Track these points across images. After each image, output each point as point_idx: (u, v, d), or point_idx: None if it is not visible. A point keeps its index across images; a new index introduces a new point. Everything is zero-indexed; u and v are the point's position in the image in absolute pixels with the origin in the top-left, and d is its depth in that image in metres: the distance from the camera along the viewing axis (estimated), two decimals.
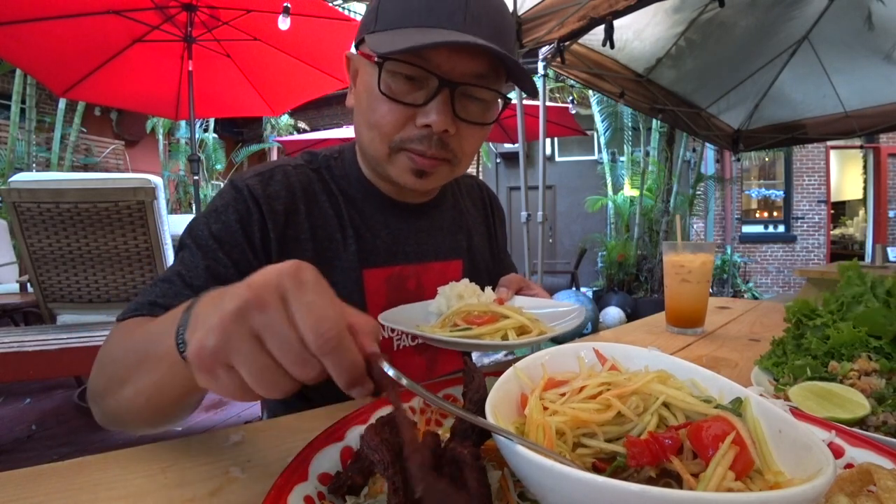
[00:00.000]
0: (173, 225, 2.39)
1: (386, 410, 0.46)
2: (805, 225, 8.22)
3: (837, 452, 0.39)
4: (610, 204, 7.57)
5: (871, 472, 0.32)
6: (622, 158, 7.55)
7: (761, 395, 0.41)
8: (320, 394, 0.78)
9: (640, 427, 0.34)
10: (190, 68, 3.03)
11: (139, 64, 3.22)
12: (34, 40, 2.75)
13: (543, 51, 2.83)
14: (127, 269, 2.29)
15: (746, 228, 8.44)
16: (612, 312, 5.77)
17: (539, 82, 3.03)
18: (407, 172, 0.70)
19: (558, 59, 2.85)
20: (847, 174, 9.63)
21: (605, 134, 7.48)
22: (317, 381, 0.33)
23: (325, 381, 0.34)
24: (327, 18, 3.08)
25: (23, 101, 5.75)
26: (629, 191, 7.38)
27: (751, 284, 7.96)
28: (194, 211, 3.94)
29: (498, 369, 0.46)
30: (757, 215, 8.71)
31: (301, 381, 0.33)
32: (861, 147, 8.24)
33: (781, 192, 8.43)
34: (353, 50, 0.75)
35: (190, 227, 0.70)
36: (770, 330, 1.03)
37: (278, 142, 7.71)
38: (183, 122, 6.57)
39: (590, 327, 5.02)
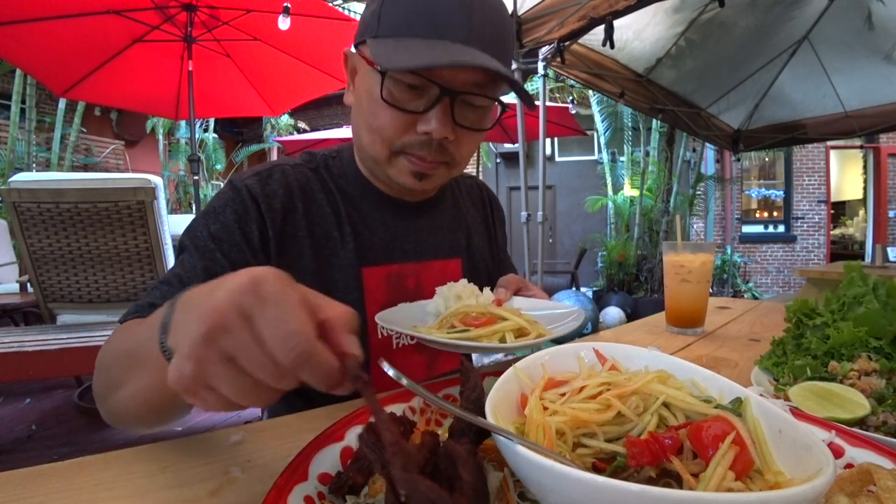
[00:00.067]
0: (173, 225, 2.39)
1: (386, 410, 0.46)
2: (805, 225, 8.22)
3: (837, 452, 0.39)
4: (610, 204, 7.57)
5: (871, 472, 0.32)
6: (622, 158, 7.55)
7: (761, 395, 0.41)
8: (321, 393, 0.78)
9: (640, 427, 0.34)
10: (190, 68, 3.03)
11: (139, 64, 3.22)
12: (34, 40, 2.75)
13: (543, 51, 2.83)
14: (127, 269, 2.29)
15: (746, 228, 8.44)
16: (612, 312, 5.77)
17: (539, 82, 3.03)
18: (407, 174, 0.72)
19: (558, 59, 2.85)
20: (847, 174, 9.63)
21: (605, 134, 7.47)
22: (300, 387, 0.33)
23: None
24: (327, 18, 3.07)
25: (23, 101, 5.75)
26: (629, 191, 7.38)
27: (751, 284, 7.96)
28: (194, 211, 3.94)
29: (498, 369, 0.46)
30: (757, 215, 8.71)
31: (283, 390, 0.33)
32: (861, 147, 8.24)
33: (781, 192, 8.43)
34: (352, 48, 0.75)
35: (189, 229, 0.70)
36: (770, 330, 1.03)
37: (278, 142, 7.70)
38: (183, 122, 6.57)
39: (590, 327, 5.02)
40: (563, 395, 0.38)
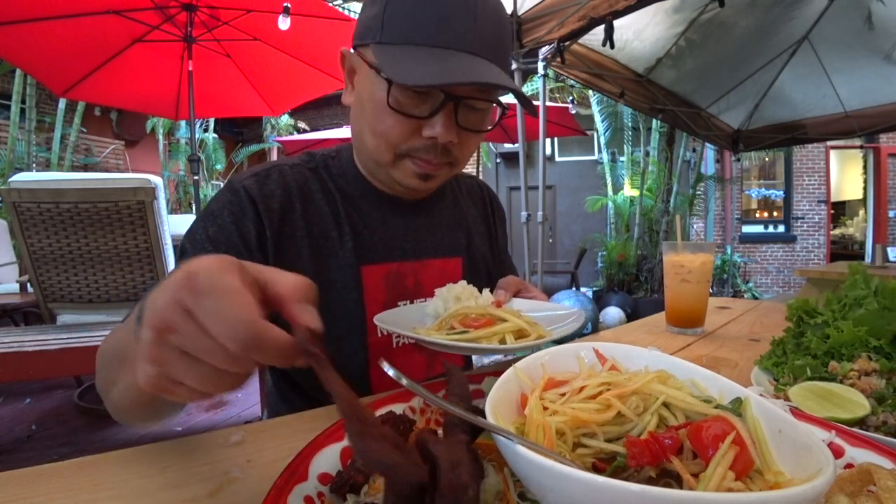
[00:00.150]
0: (173, 225, 2.39)
1: (386, 410, 0.46)
2: (805, 225, 8.22)
3: (837, 452, 0.39)
4: (610, 204, 7.57)
5: (871, 472, 0.32)
6: (622, 158, 7.55)
7: (761, 395, 0.41)
8: (323, 392, 0.78)
9: (640, 427, 0.34)
10: (190, 68, 3.03)
11: (139, 64, 3.22)
12: (34, 40, 2.75)
13: (543, 51, 2.83)
14: (127, 269, 2.29)
15: (746, 228, 8.44)
16: (612, 312, 5.77)
17: (539, 82, 3.03)
18: (412, 176, 0.73)
19: (558, 59, 2.86)
20: (847, 174, 9.63)
21: (605, 134, 7.47)
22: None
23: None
24: (327, 18, 3.08)
25: (23, 101, 5.74)
26: (629, 191, 7.37)
27: (751, 284, 7.96)
28: (194, 211, 3.94)
29: (498, 369, 0.46)
30: (757, 215, 8.71)
31: (249, 371, 0.33)
32: (861, 147, 8.24)
33: (781, 192, 8.43)
34: (350, 49, 0.75)
35: (189, 232, 0.71)
36: (770, 330, 1.03)
37: (278, 142, 7.70)
38: (183, 122, 6.57)
39: (590, 327, 5.02)
40: (563, 395, 0.38)
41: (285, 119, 8.84)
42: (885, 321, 0.61)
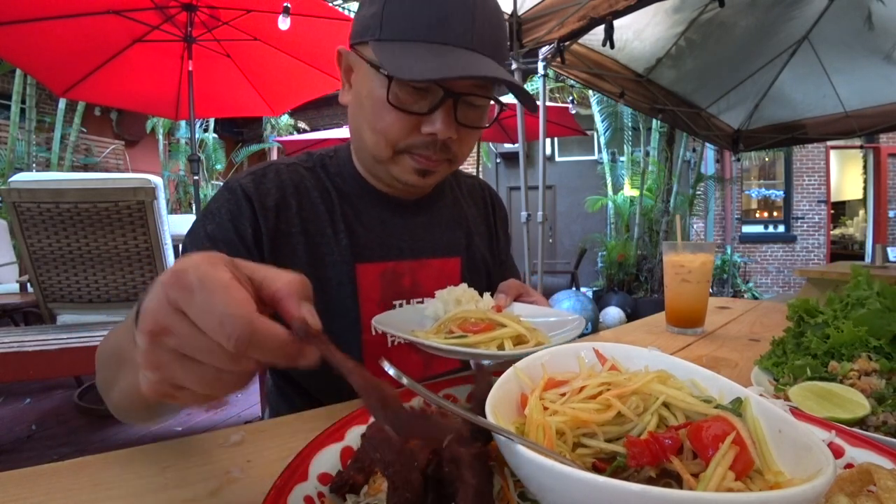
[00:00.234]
0: (173, 225, 2.39)
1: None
2: (805, 225, 8.22)
3: (837, 452, 0.39)
4: (610, 204, 7.57)
5: (871, 472, 0.32)
6: (622, 158, 7.55)
7: (761, 395, 0.41)
8: (324, 392, 0.78)
9: (640, 427, 0.34)
10: (190, 68, 3.03)
11: (139, 64, 3.22)
12: (34, 40, 2.75)
13: (543, 51, 2.83)
14: (127, 269, 2.29)
15: (746, 228, 8.44)
16: (612, 312, 5.77)
17: (539, 82, 3.03)
18: (411, 172, 0.73)
19: (558, 59, 2.86)
20: (847, 174, 9.63)
21: (605, 134, 7.47)
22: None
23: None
24: (327, 18, 3.07)
25: (23, 101, 5.74)
26: (629, 191, 7.38)
27: (751, 284, 7.96)
28: (194, 211, 3.94)
29: (498, 370, 0.46)
30: (757, 215, 8.71)
31: (250, 371, 0.32)
32: (861, 147, 8.24)
33: (781, 192, 8.43)
34: (347, 47, 0.75)
35: (190, 232, 0.72)
36: (770, 330, 1.03)
37: (278, 142, 7.70)
38: (183, 122, 6.57)
39: (590, 327, 5.02)
40: (563, 395, 0.38)
41: (285, 119, 8.84)
42: (886, 321, 0.61)
